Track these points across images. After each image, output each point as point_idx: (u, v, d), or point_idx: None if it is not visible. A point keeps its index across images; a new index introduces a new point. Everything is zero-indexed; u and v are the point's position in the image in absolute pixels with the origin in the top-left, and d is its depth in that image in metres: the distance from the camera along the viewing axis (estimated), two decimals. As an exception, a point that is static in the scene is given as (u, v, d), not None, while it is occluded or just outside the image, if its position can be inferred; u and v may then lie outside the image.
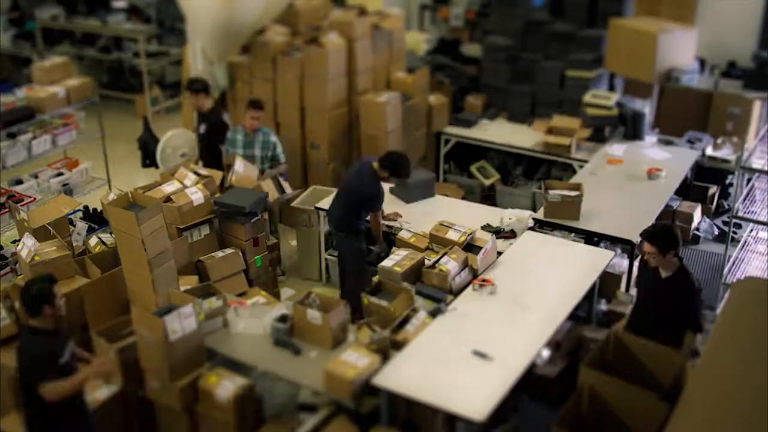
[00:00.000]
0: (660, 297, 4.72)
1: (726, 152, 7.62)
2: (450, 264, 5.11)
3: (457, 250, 5.29)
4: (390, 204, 6.31)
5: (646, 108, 7.97)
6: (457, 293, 5.08)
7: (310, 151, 7.68)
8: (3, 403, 4.51)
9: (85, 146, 8.03)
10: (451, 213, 6.19)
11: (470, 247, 5.49)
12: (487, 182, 8.06)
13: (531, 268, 5.37)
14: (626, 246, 5.99)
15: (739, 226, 7.59)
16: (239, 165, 6.28)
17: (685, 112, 8.36)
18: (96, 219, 6.26)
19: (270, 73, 7.62)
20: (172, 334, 4.21)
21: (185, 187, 5.65)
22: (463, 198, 7.39)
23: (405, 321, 4.77)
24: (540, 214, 6.14)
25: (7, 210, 6.25)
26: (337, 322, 4.56)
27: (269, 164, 6.73)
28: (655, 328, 4.63)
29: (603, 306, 5.84)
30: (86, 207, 6.47)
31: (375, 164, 5.85)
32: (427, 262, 5.25)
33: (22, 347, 4.04)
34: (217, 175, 6.05)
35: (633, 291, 5.94)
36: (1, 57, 11.33)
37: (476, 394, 4.13)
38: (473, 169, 8.21)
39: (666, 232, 4.62)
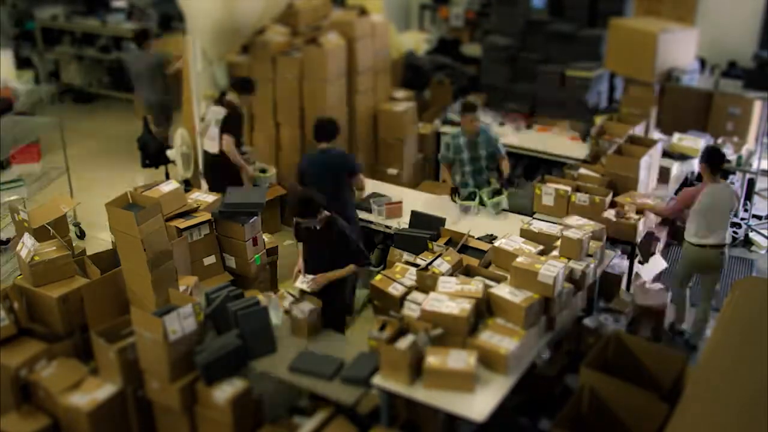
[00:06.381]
0: None
1: (726, 152, 7.60)
2: (443, 266, 5.04)
3: (451, 252, 5.24)
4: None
5: (647, 107, 7.97)
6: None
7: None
8: (3, 403, 4.51)
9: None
10: (452, 212, 6.20)
11: (465, 248, 5.46)
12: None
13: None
14: (626, 246, 5.98)
15: (739, 226, 7.59)
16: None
17: (686, 112, 8.35)
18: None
19: (270, 73, 7.61)
20: (171, 334, 4.21)
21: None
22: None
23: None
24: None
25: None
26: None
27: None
28: None
29: (603, 306, 5.83)
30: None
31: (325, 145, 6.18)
32: (421, 263, 5.21)
33: None
34: None
35: (633, 290, 5.94)
36: (1, 57, 11.33)
37: (476, 394, 4.13)
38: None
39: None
